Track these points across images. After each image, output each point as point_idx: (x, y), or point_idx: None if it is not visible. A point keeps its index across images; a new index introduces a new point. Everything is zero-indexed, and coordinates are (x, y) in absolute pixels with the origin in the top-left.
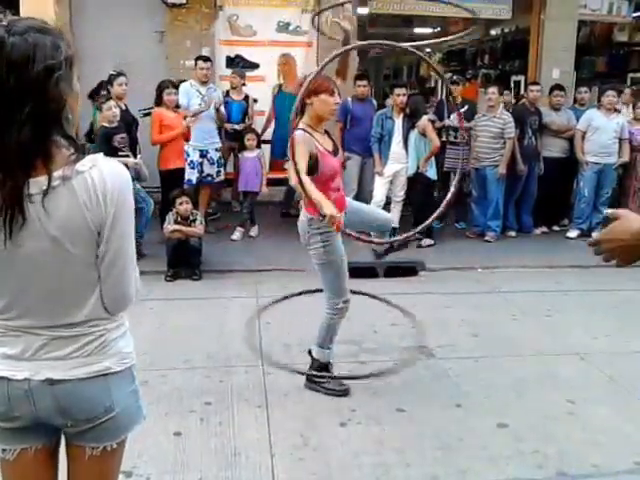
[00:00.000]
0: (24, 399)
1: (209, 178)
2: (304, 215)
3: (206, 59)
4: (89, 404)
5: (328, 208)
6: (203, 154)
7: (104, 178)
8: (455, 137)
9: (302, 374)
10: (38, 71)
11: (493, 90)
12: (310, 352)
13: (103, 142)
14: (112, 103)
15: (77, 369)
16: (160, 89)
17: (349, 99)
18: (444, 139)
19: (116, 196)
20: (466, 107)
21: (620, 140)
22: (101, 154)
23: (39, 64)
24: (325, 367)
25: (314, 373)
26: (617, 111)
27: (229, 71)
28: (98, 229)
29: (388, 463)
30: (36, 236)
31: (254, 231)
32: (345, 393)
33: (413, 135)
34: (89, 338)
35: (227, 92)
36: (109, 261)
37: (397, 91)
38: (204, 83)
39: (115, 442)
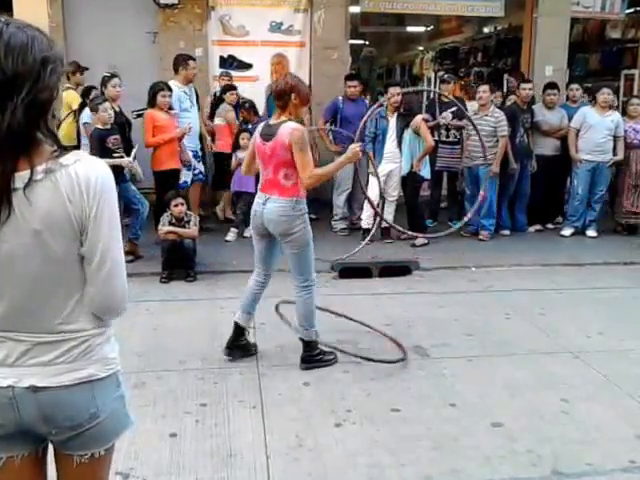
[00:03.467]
0: (8, 407)
1: (200, 175)
2: (285, 200)
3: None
4: (73, 411)
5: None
6: (195, 154)
7: (88, 173)
8: (447, 136)
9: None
10: (35, 59)
11: (484, 88)
12: (302, 339)
13: (96, 143)
14: (107, 105)
15: (61, 375)
16: (154, 91)
17: (340, 98)
18: (436, 138)
19: (99, 192)
20: (457, 107)
21: (615, 138)
22: (86, 152)
23: (36, 53)
24: (316, 344)
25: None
26: (612, 108)
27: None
28: (80, 225)
29: (383, 463)
30: (18, 232)
31: (248, 232)
32: (336, 358)
33: (407, 134)
34: (73, 343)
35: (215, 94)
36: (97, 261)
37: (391, 90)
38: (189, 82)
39: (103, 449)
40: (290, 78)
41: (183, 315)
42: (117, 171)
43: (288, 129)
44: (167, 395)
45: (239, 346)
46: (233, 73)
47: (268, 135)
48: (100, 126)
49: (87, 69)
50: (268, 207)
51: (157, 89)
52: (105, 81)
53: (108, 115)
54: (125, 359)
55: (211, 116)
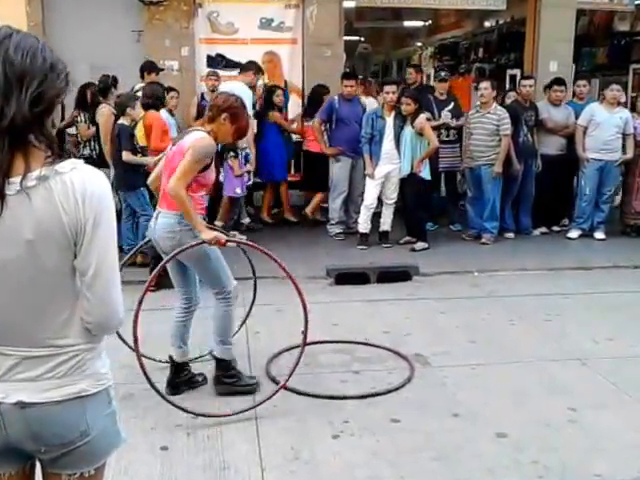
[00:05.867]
0: None
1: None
2: (171, 214)
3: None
4: (63, 429)
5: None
6: (246, 158)
7: (84, 182)
8: (447, 135)
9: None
10: (44, 59)
11: (485, 85)
12: (212, 353)
13: (128, 139)
14: (139, 104)
15: (50, 391)
16: (163, 92)
17: (335, 98)
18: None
19: (95, 203)
20: (452, 105)
21: (624, 135)
22: (82, 161)
23: (45, 55)
24: (231, 365)
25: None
26: (621, 104)
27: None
28: (74, 236)
29: (382, 476)
30: (8, 240)
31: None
32: (255, 388)
33: (409, 134)
34: (63, 358)
35: (202, 95)
36: (92, 274)
37: (387, 88)
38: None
39: (93, 468)
40: (234, 99)
41: (171, 324)
42: (142, 172)
43: (197, 135)
44: (157, 407)
45: (182, 382)
46: (222, 73)
47: (177, 140)
48: (127, 123)
49: (163, 70)
50: (158, 222)
51: (165, 89)
52: (115, 82)
53: (137, 114)
54: (113, 371)
55: (305, 115)
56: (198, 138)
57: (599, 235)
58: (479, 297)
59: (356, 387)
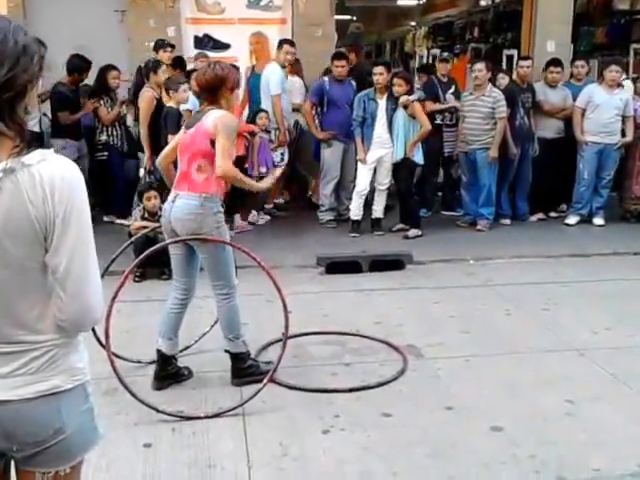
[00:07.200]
0: None
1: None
2: (193, 196)
3: None
4: (36, 427)
5: None
6: None
7: (53, 174)
8: (451, 119)
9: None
10: (16, 42)
11: (480, 67)
12: (228, 352)
13: (174, 121)
14: (187, 86)
15: (22, 388)
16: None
17: (326, 79)
18: (439, 122)
19: (66, 195)
20: (453, 88)
21: (624, 118)
22: (52, 151)
23: (17, 38)
24: (247, 355)
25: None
26: (620, 85)
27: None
28: (44, 230)
29: (374, 472)
30: None
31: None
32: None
33: (401, 117)
34: (35, 354)
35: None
36: (63, 271)
37: (376, 70)
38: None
39: (68, 466)
40: (219, 69)
41: (157, 316)
42: None
43: (216, 114)
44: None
45: (169, 375)
46: (210, 54)
47: (192, 122)
48: (174, 105)
49: (174, 46)
50: (176, 204)
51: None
52: (154, 67)
53: (187, 96)
54: (95, 365)
55: None
56: (220, 116)
57: (598, 221)
58: (474, 286)
59: (347, 380)
